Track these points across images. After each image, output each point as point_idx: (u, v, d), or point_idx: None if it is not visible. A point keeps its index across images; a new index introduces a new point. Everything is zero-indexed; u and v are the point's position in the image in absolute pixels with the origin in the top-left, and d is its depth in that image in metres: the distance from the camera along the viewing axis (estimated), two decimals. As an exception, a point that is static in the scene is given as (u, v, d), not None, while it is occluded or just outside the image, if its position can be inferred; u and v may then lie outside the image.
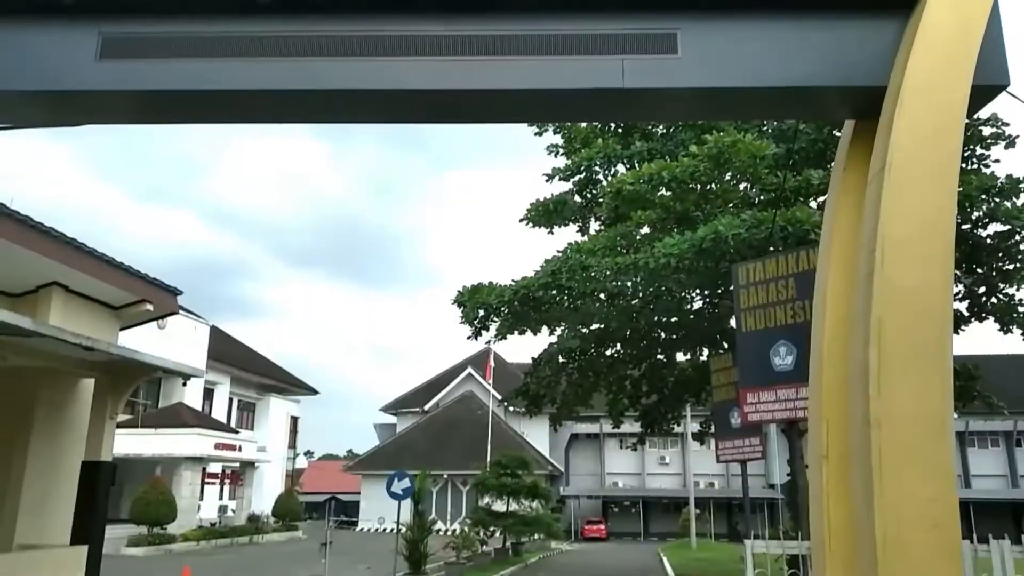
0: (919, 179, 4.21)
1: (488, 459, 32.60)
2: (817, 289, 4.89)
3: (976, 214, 12.60)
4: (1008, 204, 12.25)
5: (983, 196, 12.11)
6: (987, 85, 4.52)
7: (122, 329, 11.56)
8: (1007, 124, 12.96)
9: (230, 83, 4.94)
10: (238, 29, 5.02)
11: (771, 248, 11.43)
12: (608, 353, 18.44)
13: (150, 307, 11.09)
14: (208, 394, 37.28)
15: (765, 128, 14.98)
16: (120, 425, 10.95)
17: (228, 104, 5.13)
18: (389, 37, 4.94)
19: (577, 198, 17.15)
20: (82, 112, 5.60)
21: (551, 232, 17.71)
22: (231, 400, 40.23)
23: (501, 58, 4.85)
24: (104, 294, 10.64)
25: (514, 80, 4.85)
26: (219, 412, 37.75)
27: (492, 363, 40.35)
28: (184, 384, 32.54)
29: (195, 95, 4.99)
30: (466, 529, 22.03)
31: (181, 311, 32.40)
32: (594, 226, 17.63)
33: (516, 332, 16.65)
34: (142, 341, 11.96)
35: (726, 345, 15.91)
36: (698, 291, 16.11)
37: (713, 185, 13.04)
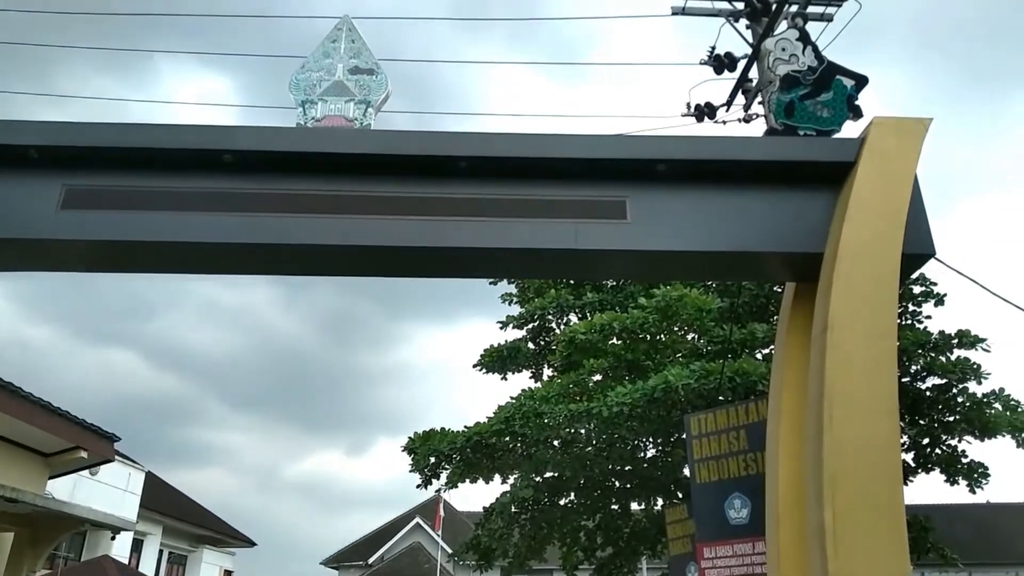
0: (859, 339, 4.42)
1: (435, 617, 30.67)
2: (769, 447, 4.97)
3: (914, 368, 13.07)
4: (943, 359, 12.76)
5: (919, 351, 12.62)
6: (916, 254, 4.87)
7: (51, 477, 10.94)
8: (935, 284, 13.75)
9: (192, 235, 5.03)
10: (202, 185, 5.19)
11: (720, 398, 11.60)
12: (562, 503, 17.99)
13: (84, 454, 10.58)
14: (137, 545, 34.81)
15: (710, 283, 15.61)
16: (37, 583, 10.13)
17: (190, 256, 5.21)
18: (347, 196, 5.15)
19: (531, 345, 17.32)
20: (43, 260, 5.60)
21: (504, 378, 17.70)
22: (161, 552, 37.57)
23: (458, 218, 5.08)
24: (35, 440, 10.14)
25: (471, 239, 5.05)
26: (147, 566, 35.12)
27: (442, 512, 38.86)
28: (113, 538, 30.47)
29: (157, 246, 5.07)
30: None
31: (117, 457, 30.86)
32: (547, 372, 17.70)
33: (468, 480, 16.24)
34: (70, 488, 11.30)
35: (680, 495, 15.71)
36: (651, 439, 16.06)
37: (662, 336, 13.35)
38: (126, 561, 32.17)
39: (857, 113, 5.36)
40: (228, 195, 5.12)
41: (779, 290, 14.18)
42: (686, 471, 17.10)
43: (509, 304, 17.41)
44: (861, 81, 5.41)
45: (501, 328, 17.38)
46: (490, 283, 17.41)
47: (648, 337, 13.28)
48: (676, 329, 13.59)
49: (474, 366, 17.67)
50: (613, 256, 5.07)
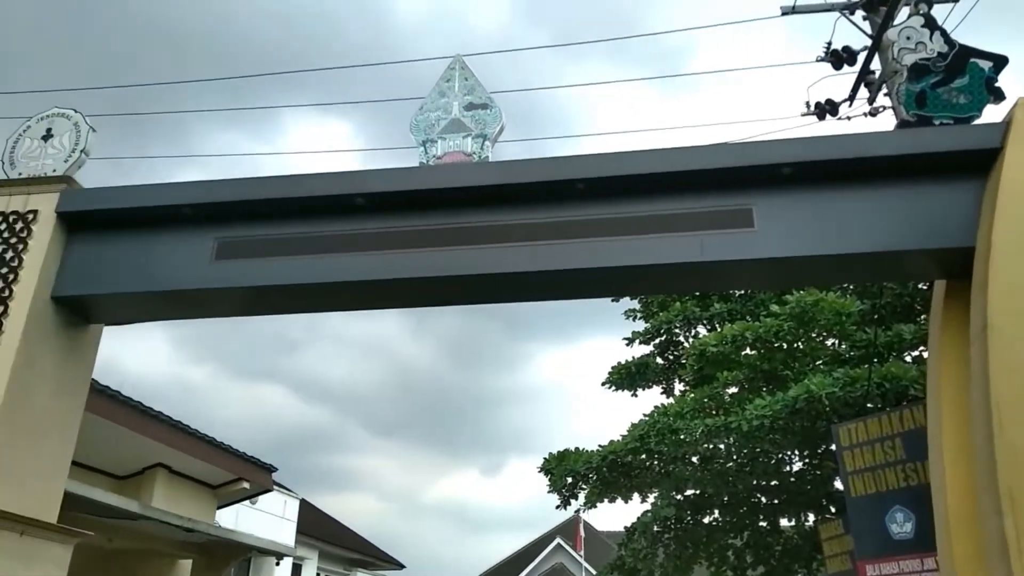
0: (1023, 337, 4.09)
1: (583, 639, 30.41)
2: (932, 456, 4.66)
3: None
4: None
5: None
6: (1080, 239, 4.45)
7: (218, 507, 11.78)
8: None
9: (332, 276, 5.34)
10: (337, 228, 5.50)
11: (869, 405, 10.94)
12: (706, 521, 17.45)
13: (247, 485, 11.33)
14: (297, 570, 36.70)
15: (847, 286, 14.80)
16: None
17: (331, 295, 5.52)
18: (472, 228, 5.30)
19: (659, 360, 17.03)
20: (198, 307, 6.10)
21: (634, 395, 17.47)
22: (318, 575, 39.46)
23: (580, 240, 5.11)
24: (204, 474, 10.96)
25: (594, 260, 5.08)
26: (305, 589, 36.95)
27: (582, 532, 38.60)
28: (278, 564, 32.32)
29: (301, 288, 5.41)
30: None
31: (274, 486, 32.75)
32: (679, 387, 17.32)
33: (606, 500, 16.10)
34: (234, 518, 12.09)
35: (833, 510, 14.88)
36: (796, 452, 15.34)
37: (800, 343, 12.77)
38: (287, 585, 34.02)
39: (998, 96, 4.97)
40: (362, 235, 5.40)
41: (925, 287, 13.26)
42: (838, 484, 16.21)
43: (633, 320, 17.21)
44: (1000, 62, 5.02)
45: (627, 344, 17.20)
46: (612, 300, 17.29)
47: (784, 345, 12.74)
48: (814, 335, 12.96)
49: (603, 384, 17.55)
50: (741, 266, 4.94)
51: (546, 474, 15.64)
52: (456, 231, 5.31)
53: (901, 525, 7.97)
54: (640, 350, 17.49)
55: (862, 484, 8.48)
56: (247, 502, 30.75)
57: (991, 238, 4.33)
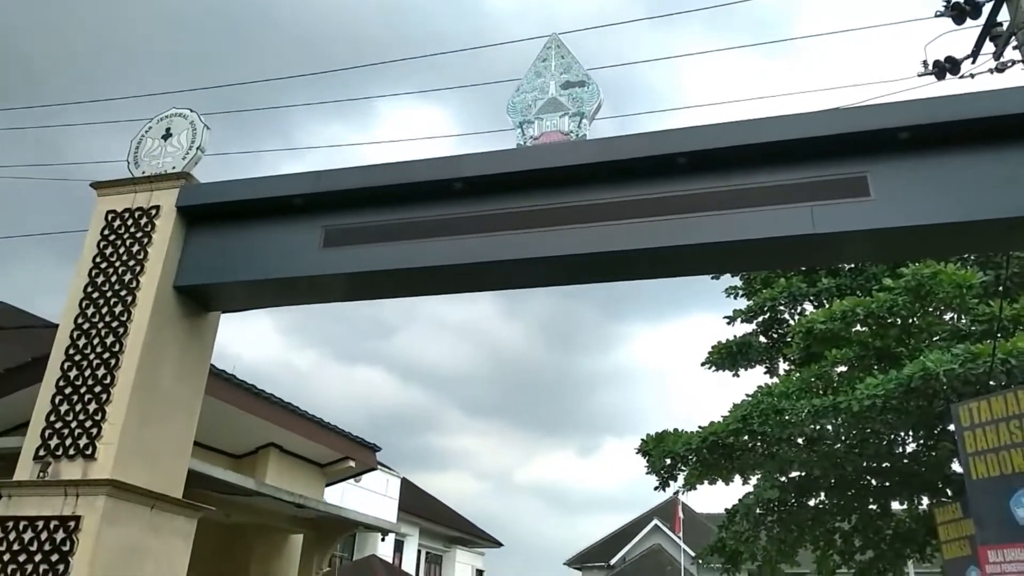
0: None
1: (683, 621, 30.17)
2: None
3: None
4: None
5: None
6: None
7: (326, 486, 12.27)
8: None
9: (433, 260, 5.42)
10: (438, 212, 5.57)
11: (992, 383, 10.31)
12: (812, 503, 16.92)
13: (352, 464, 11.75)
14: (399, 546, 37.94)
15: (968, 255, 13.95)
16: (320, 579, 11.39)
17: (432, 278, 5.61)
18: (572, 207, 5.26)
19: (762, 339, 16.55)
20: (307, 293, 6.32)
21: (736, 375, 17.07)
22: (419, 552, 40.63)
23: (684, 216, 4.99)
24: (313, 453, 11.43)
25: (698, 236, 4.95)
26: (408, 564, 38.13)
27: (681, 514, 38.20)
28: (383, 539, 33.48)
29: (405, 273, 5.52)
30: None
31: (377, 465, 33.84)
32: (783, 366, 16.80)
33: (706, 481, 15.83)
34: (340, 496, 12.57)
35: (950, 492, 14.15)
36: (910, 433, 14.64)
37: (915, 319, 12.14)
38: (390, 560, 35.19)
39: None
40: (462, 219, 5.46)
41: (1055, 255, 12.34)
42: (955, 466, 15.41)
43: (735, 298, 16.78)
44: None
45: (729, 323, 16.79)
46: (712, 277, 16.89)
47: (898, 321, 12.14)
48: (931, 310, 12.28)
49: (703, 364, 17.23)
50: (856, 237, 4.71)
51: (644, 455, 15.51)
52: (555, 211, 5.29)
53: (1030, 510, 7.49)
54: (742, 329, 17.07)
55: (984, 466, 8.02)
56: (352, 480, 31.90)
57: None
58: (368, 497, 27.86)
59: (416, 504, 40.09)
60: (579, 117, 5.64)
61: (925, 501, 16.53)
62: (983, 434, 8.13)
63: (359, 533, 37.33)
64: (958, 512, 11.31)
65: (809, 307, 14.81)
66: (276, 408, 10.27)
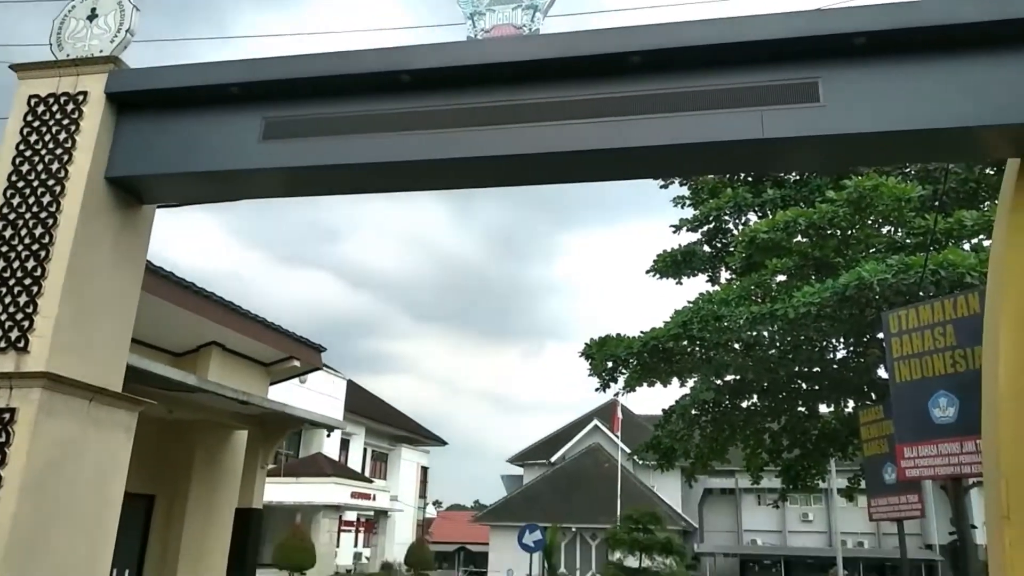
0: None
1: (618, 513, 31.86)
2: (987, 335, 4.56)
3: None
4: None
5: None
6: None
7: (271, 384, 12.29)
8: None
9: (379, 156, 5.26)
10: (383, 107, 5.38)
11: (921, 294, 10.75)
12: (744, 405, 17.71)
13: (297, 363, 11.76)
14: (344, 444, 38.72)
15: (908, 169, 14.25)
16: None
17: (378, 175, 5.47)
18: (522, 105, 5.13)
19: (706, 248, 16.84)
20: (246, 188, 6.12)
21: (679, 283, 17.43)
22: (365, 450, 41.59)
23: (635, 117, 4.92)
24: (256, 352, 11.37)
25: (648, 137, 4.90)
26: (354, 462, 39.08)
27: (620, 415, 39.70)
28: (328, 435, 34.07)
29: (345, 168, 5.36)
30: (598, 586, 21.50)
31: (323, 366, 34.08)
32: (725, 275, 17.20)
33: (645, 384, 16.38)
34: (284, 396, 12.63)
35: (874, 396, 14.96)
36: (841, 340, 15.29)
37: (854, 230, 12.46)
38: (336, 458, 35.98)
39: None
40: (408, 115, 5.28)
41: (992, 172, 12.70)
42: (881, 372, 16.21)
43: (682, 207, 16.93)
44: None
45: (675, 232, 17.00)
46: (661, 186, 16.96)
47: (838, 233, 12.44)
48: (870, 222, 12.62)
49: (647, 272, 17.51)
50: (805, 143, 4.72)
51: (587, 359, 15.90)
52: (505, 108, 5.16)
53: (944, 410, 7.96)
54: (687, 238, 17.31)
55: (908, 370, 8.43)
56: (297, 381, 32.05)
57: (1078, 112, 4.06)
58: (314, 398, 28.15)
59: (362, 405, 40.75)
60: (532, 10, 5.42)
61: (851, 404, 17.47)
62: (909, 340, 8.51)
63: (305, 432, 37.93)
64: (880, 414, 11.99)
65: (753, 217, 15.06)
66: (217, 307, 10.12)
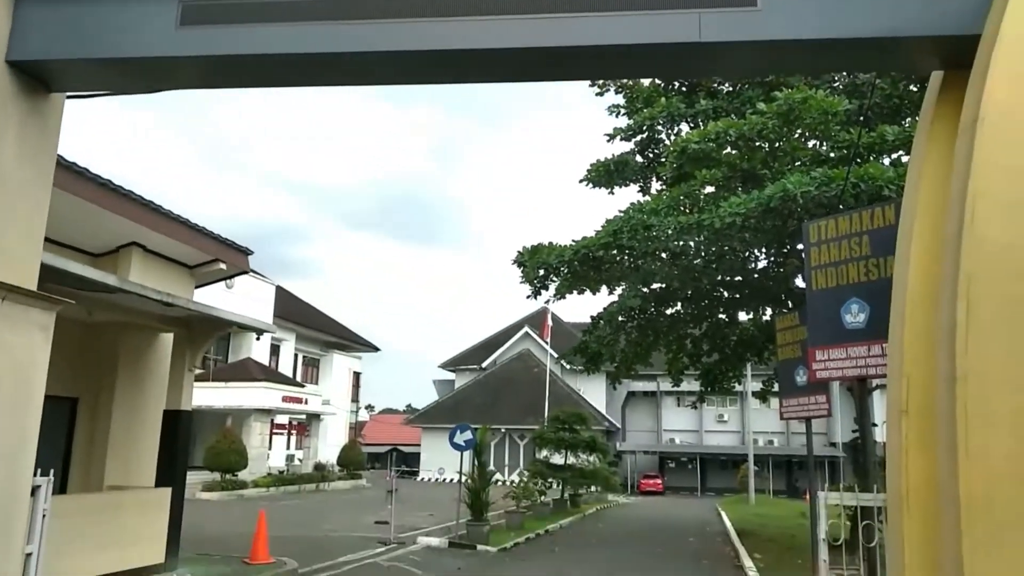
0: (1015, 131, 4.05)
1: (545, 415, 33.00)
2: (900, 244, 4.77)
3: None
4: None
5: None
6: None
7: (196, 287, 11.99)
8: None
9: (300, 46, 5.03)
10: (311, -8, 5.07)
11: (841, 206, 11.14)
12: (669, 312, 18.34)
13: (223, 266, 11.46)
14: (275, 350, 38.50)
15: (837, 83, 14.48)
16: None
17: (298, 66, 5.23)
18: (451, -2, 4.92)
19: (639, 158, 16.96)
20: (161, 78, 5.77)
21: (611, 192, 17.60)
22: (296, 356, 41.47)
23: (571, 15, 4.80)
24: (180, 254, 11.02)
25: (585, 36, 4.80)
26: (285, 367, 39.00)
27: (550, 322, 40.53)
28: (258, 339, 33.70)
29: (268, 59, 5.11)
30: (525, 480, 22.46)
31: (249, 270, 33.37)
32: (656, 186, 17.42)
33: (575, 292, 16.72)
34: (212, 299, 12.36)
35: (791, 304, 15.67)
36: (763, 250, 15.83)
37: (782, 143, 12.70)
38: (266, 364, 35.82)
39: None
40: (335, 4, 5.02)
41: (915, 89, 13.03)
42: (798, 281, 16.93)
43: (616, 116, 16.89)
44: None
45: (608, 141, 17.01)
46: (597, 93, 16.82)
47: (766, 145, 12.66)
48: (798, 135, 12.87)
49: (581, 181, 17.58)
50: (741, 48, 4.70)
51: (520, 266, 16.05)
52: (440, 1, 4.95)
53: (855, 315, 8.40)
54: (620, 147, 17.35)
55: (824, 278, 8.81)
56: (224, 286, 31.36)
57: (1000, 26, 4.15)
58: (242, 303, 27.68)
59: (292, 311, 40.36)
60: None
61: (768, 312, 18.29)
62: (827, 249, 8.86)
63: (233, 337, 37.40)
64: (795, 320, 12.58)
65: (686, 128, 15.17)
66: (136, 206, 9.70)
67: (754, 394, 27.47)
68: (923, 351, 4.36)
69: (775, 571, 11.91)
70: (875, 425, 11.41)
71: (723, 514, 26.34)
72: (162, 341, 10.93)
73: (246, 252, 12.00)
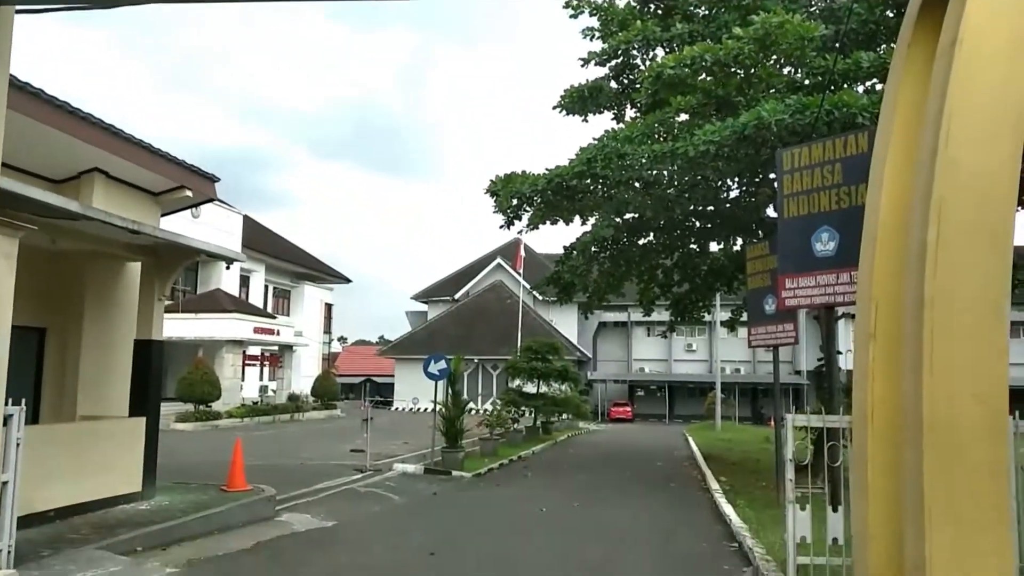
0: (993, 55, 4.03)
1: (518, 345, 33.36)
2: (874, 168, 4.80)
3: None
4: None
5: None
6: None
7: (162, 215, 11.73)
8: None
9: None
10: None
11: (814, 135, 11.14)
12: (641, 243, 18.43)
13: (189, 193, 11.18)
14: (244, 281, 38.17)
15: (813, 7, 14.27)
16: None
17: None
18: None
19: (613, 84, 16.69)
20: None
21: (585, 119, 17.36)
22: (267, 287, 41.19)
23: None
24: (144, 180, 10.72)
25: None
26: (256, 298, 38.75)
27: (522, 253, 40.57)
28: (227, 268, 33.27)
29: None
30: (498, 409, 22.84)
31: (216, 200, 32.72)
32: (630, 113, 17.22)
33: (548, 222, 16.66)
34: (179, 229, 12.13)
35: (761, 234, 15.81)
36: (736, 179, 15.85)
37: (757, 68, 12.56)
38: (236, 295, 35.54)
39: None
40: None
41: (891, 15, 12.90)
42: (769, 211, 17.06)
43: (591, 40, 16.53)
44: None
45: (583, 65, 16.68)
46: (571, 16, 16.41)
47: (742, 71, 12.52)
48: (773, 61, 12.72)
49: (554, 108, 17.29)
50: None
51: (493, 196, 15.88)
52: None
53: (825, 244, 8.50)
54: (595, 73, 17.05)
55: (796, 206, 8.86)
56: (190, 215, 30.82)
57: (984, -56, 4.08)
58: (209, 233, 27.27)
59: (261, 241, 39.84)
60: None
61: (739, 242, 18.46)
62: (800, 177, 8.90)
63: (202, 269, 37.01)
64: (765, 250, 12.72)
65: (661, 53, 14.90)
66: (97, 130, 9.36)
67: (722, 323, 27.98)
68: (892, 277, 4.43)
69: (740, 493, 12.35)
70: (840, 352, 11.68)
71: (690, 440, 27.13)
72: (129, 270, 10.74)
73: (212, 179, 11.73)
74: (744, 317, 22.19)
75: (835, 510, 5.36)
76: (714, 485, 13.55)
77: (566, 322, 45.73)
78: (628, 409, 47.21)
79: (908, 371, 3.97)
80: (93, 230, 8.58)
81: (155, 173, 10.55)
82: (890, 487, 4.14)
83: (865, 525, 4.19)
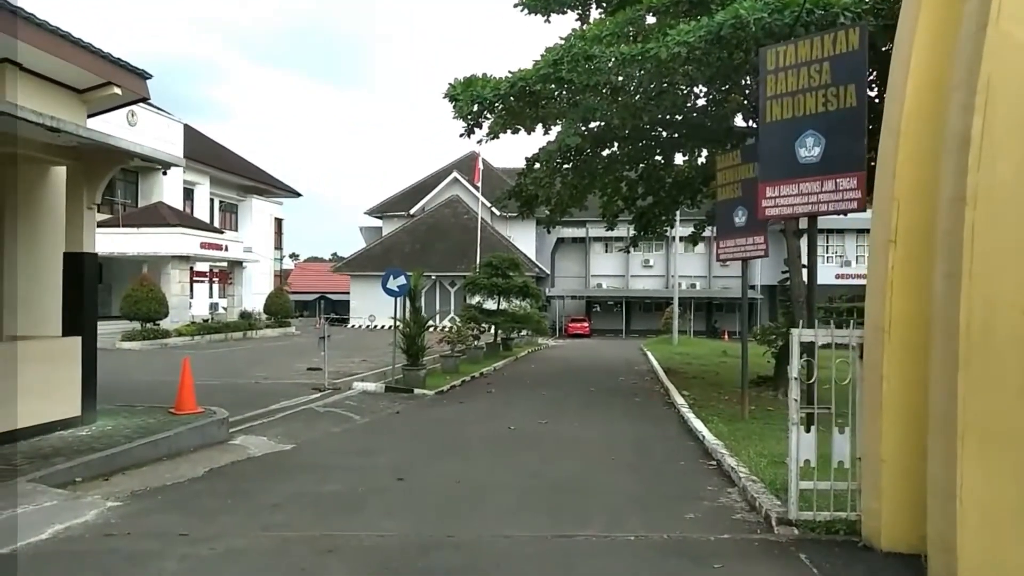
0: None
1: (477, 261, 32.82)
2: (896, 54, 4.24)
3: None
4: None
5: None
6: None
7: (89, 116, 10.65)
8: None
9: None
10: None
11: (793, 37, 10.50)
12: (606, 153, 17.77)
13: (117, 91, 10.11)
14: (188, 194, 36.52)
15: None
16: (100, 224, 10.38)
17: None
18: None
19: (579, -22, 15.64)
20: None
21: (548, 20, 16.35)
22: (212, 201, 39.56)
23: None
24: (66, 76, 9.63)
25: None
26: (201, 212, 37.21)
27: (480, 166, 39.52)
28: (165, 174, 31.58)
29: None
30: (459, 325, 22.44)
31: (152, 108, 30.74)
32: (595, 14, 16.27)
33: (510, 131, 15.83)
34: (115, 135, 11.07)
35: (729, 145, 15.28)
36: (705, 87, 15.19)
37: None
38: (180, 208, 33.99)
39: None
40: None
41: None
42: (738, 120, 16.48)
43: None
44: None
45: (548, -41, 15.58)
46: (536, -95, 15.20)
47: (719, -36, 11.69)
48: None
49: (515, 5, 16.23)
50: None
51: (452, 100, 14.92)
52: None
53: (809, 149, 8.02)
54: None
55: (779, 109, 8.32)
56: (126, 123, 29.05)
57: None
58: (148, 141, 25.64)
59: (204, 152, 37.97)
60: None
61: (704, 154, 17.94)
62: (784, 78, 8.32)
63: (142, 180, 35.25)
64: (737, 159, 12.19)
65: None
66: (4, 13, 8.23)
67: (683, 239, 27.83)
68: (917, 173, 3.94)
69: (703, 407, 12.25)
70: (804, 267, 11.38)
71: (649, 354, 27.27)
72: (54, 176, 9.77)
73: (144, 75, 10.64)
74: (705, 232, 22.01)
75: (807, 431, 4.94)
76: (679, 399, 13.44)
77: (524, 238, 45.23)
78: (586, 325, 47.49)
79: (940, 277, 3.53)
80: (4, 127, 7.61)
81: (78, 67, 9.44)
82: (909, 405, 3.76)
83: (879, 446, 3.83)
